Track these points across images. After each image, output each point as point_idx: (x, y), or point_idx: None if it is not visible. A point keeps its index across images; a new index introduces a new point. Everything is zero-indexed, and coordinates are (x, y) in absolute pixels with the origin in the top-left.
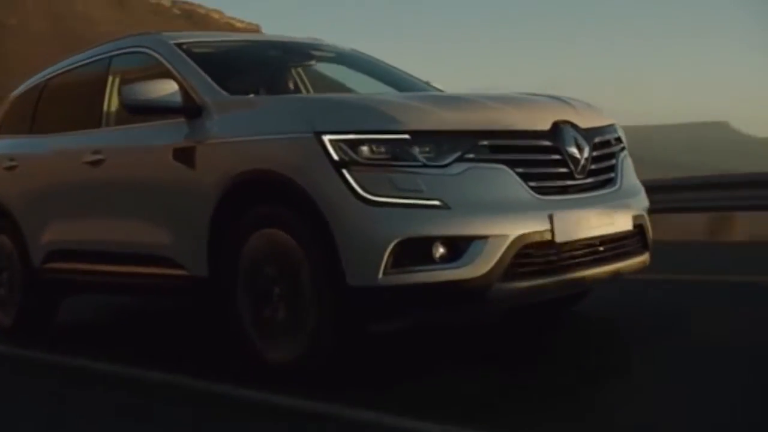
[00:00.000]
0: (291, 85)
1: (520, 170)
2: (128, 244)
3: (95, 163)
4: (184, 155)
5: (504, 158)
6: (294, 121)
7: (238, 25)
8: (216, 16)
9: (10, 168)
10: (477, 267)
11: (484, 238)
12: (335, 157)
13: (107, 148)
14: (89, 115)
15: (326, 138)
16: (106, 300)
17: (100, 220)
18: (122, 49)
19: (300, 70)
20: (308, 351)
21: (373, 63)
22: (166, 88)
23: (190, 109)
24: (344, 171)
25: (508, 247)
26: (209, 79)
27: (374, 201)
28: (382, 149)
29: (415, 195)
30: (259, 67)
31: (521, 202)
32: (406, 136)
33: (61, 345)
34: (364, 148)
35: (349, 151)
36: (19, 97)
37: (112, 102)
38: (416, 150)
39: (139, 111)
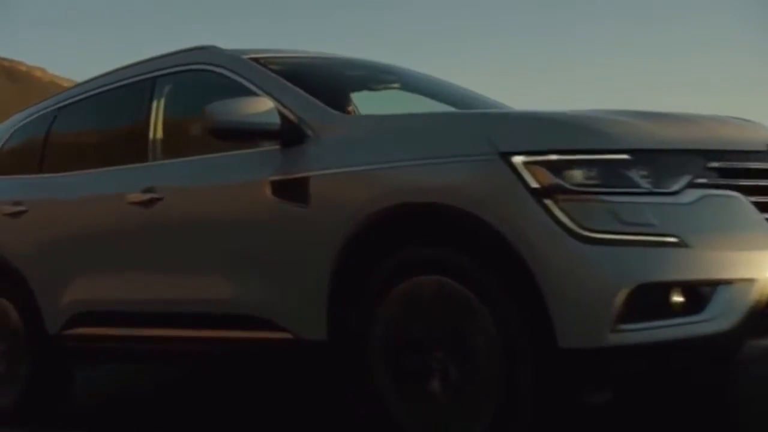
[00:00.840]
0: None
1: (753, 198)
2: (199, 302)
3: (148, 204)
4: (291, 190)
5: (736, 184)
6: (464, 141)
7: (63, 83)
8: (38, 74)
9: (16, 214)
10: (725, 319)
11: (729, 282)
12: (532, 183)
13: (165, 185)
14: (129, 147)
15: (517, 160)
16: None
17: (154, 273)
18: (172, 68)
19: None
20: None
21: (448, 87)
22: (260, 108)
23: (291, 133)
24: (548, 201)
25: (760, 294)
26: (312, 98)
27: (594, 238)
28: (593, 173)
29: (644, 230)
30: (342, 87)
31: (763, 237)
32: (626, 156)
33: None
34: (573, 172)
35: (552, 176)
36: (15, 132)
37: (158, 130)
38: (636, 173)
39: (229, 135)
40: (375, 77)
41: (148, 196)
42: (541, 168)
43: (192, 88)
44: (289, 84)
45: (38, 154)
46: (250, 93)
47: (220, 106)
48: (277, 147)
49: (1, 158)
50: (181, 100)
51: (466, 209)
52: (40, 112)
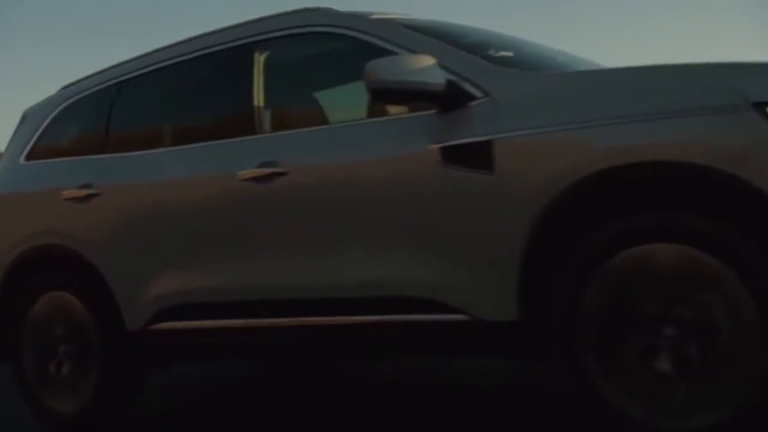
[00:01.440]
0: None
1: None
2: (344, 286)
3: (266, 179)
4: (469, 157)
5: None
6: (705, 93)
7: None
8: None
9: (84, 199)
10: None
11: None
12: None
13: (289, 159)
14: (229, 120)
15: None
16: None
17: (279, 255)
18: (275, 32)
19: None
20: (737, 416)
21: (563, 55)
22: (423, 65)
23: (455, 94)
24: None
25: None
26: (474, 56)
27: None
28: None
29: None
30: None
31: None
32: None
33: None
34: None
35: None
36: (67, 108)
37: (263, 100)
38: None
39: (392, 96)
40: (491, 44)
41: (266, 170)
42: None
43: (303, 53)
44: (440, 42)
45: (102, 131)
46: (384, 55)
47: (382, 64)
48: (432, 111)
49: (47, 139)
50: (290, 65)
51: (713, 166)
52: (96, 87)
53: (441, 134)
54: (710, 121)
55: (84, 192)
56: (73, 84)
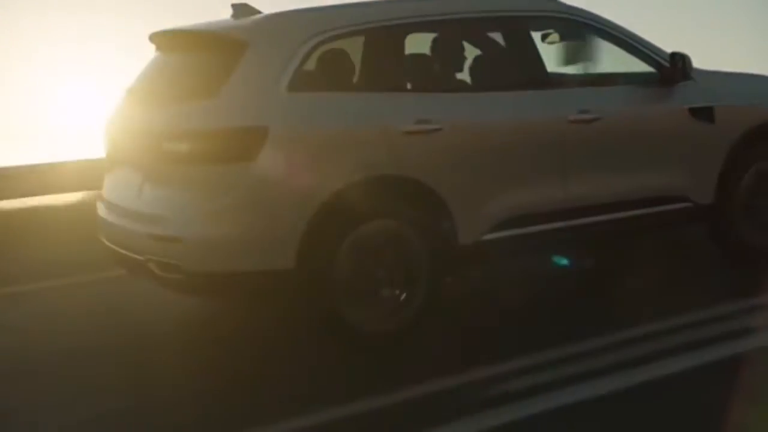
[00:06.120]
0: None
1: None
2: (634, 191)
3: (586, 122)
4: (702, 114)
5: None
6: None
7: None
8: None
9: (426, 133)
10: None
11: None
12: None
13: (600, 107)
14: (529, 75)
15: None
16: None
17: (591, 176)
18: (540, 11)
19: None
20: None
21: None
22: None
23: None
24: None
25: None
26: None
27: None
28: None
29: None
30: None
31: None
32: None
33: None
34: None
35: None
36: (333, 39)
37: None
38: None
39: None
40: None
41: (584, 116)
42: None
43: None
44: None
45: (404, 70)
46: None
47: None
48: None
49: (312, 71)
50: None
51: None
52: (375, 24)
53: (687, 100)
54: None
55: (425, 127)
56: (312, 10)
